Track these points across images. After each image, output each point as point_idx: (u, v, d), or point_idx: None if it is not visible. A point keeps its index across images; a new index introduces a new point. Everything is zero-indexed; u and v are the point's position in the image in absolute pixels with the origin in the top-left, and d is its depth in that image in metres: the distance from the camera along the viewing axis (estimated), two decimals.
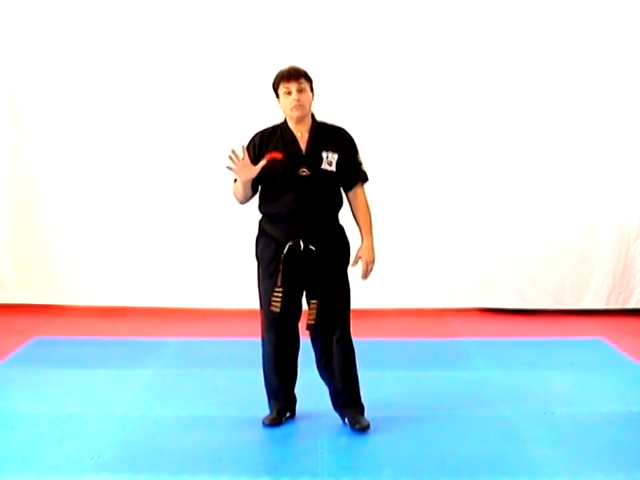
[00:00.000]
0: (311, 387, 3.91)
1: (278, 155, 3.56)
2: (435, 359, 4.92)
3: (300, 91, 3.55)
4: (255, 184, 3.61)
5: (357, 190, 3.71)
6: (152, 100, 5.97)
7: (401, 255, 5.91)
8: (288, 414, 3.81)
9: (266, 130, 3.67)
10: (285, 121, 3.65)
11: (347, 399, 3.71)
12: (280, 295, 3.57)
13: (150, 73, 5.96)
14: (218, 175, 5.77)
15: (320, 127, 3.66)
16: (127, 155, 6.02)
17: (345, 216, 3.73)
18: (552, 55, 5.89)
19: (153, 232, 6.06)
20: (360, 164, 3.71)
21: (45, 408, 3.97)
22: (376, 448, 3.52)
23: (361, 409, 3.73)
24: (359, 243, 3.73)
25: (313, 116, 3.67)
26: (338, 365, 3.67)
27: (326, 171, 3.58)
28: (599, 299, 6.12)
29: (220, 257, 6.02)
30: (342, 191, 3.71)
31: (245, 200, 3.69)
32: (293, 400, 3.84)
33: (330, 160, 3.59)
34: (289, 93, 3.56)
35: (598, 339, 5.35)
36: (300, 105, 3.55)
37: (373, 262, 3.69)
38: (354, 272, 3.71)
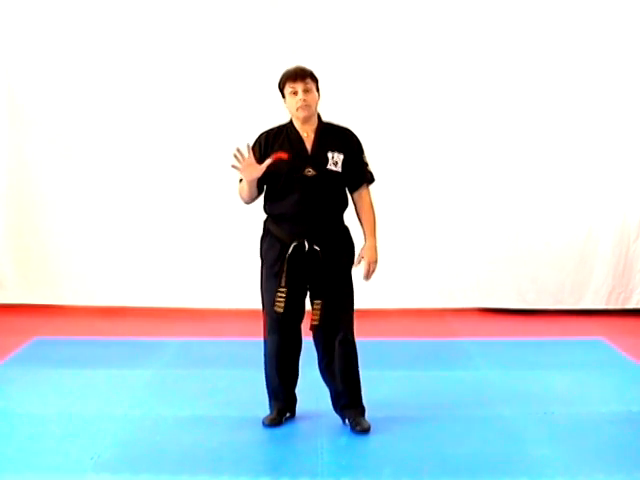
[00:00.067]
0: (311, 387, 3.91)
1: (284, 155, 3.55)
2: (435, 359, 4.91)
3: (306, 91, 3.54)
4: (260, 184, 3.60)
5: (362, 191, 3.70)
6: (153, 99, 5.97)
7: (401, 255, 5.90)
8: (288, 414, 3.81)
9: (272, 130, 3.66)
10: (291, 121, 3.64)
11: (348, 400, 3.71)
12: (284, 295, 3.56)
13: (151, 73, 5.96)
14: (218, 175, 5.84)
15: (326, 127, 3.65)
16: (127, 155, 6.02)
17: (350, 217, 3.73)
18: (552, 57, 5.90)
19: (153, 232, 6.06)
20: (366, 164, 3.70)
21: (45, 408, 3.97)
22: (376, 448, 3.52)
23: (362, 411, 3.72)
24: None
25: (319, 116, 3.66)
26: (339, 366, 3.67)
27: (332, 171, 3.57)
28: (599, 299, 6.12)
29: (220, 257, 6.02)
30: (347, 192, 3.70)
31: (250, 200, 3.68)
32: (293, 400, 3.83)
33: (336, 160, 3.58)
34: (295, 93, 3.55)
35: (598, 339, 5.35)
36: (306, 105, 3.55)
37: (375, 262, 3.68)
38: (356, 272, 3.71)
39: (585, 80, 5.93)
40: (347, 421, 3.70)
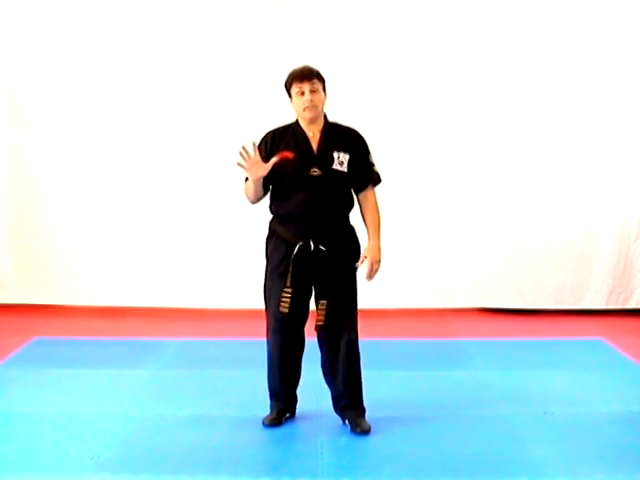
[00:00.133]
0: (312, 387, 3.91)
1: (289, 154, 3.54)
2: (435, 359, 4.91)
3: (313, 92, 3.53)
4: (266, 184, 3.59)
5: (368, 192, 3.68)
6: (154, 99, 5.96)
7: (401, 255, 5.90)
8: (288, 414, 3.81)
9: (278, 129, 3.65)
10: (297, 121, 3.64)
11: (348, 401, 3.71)
12: (289, 296, 3.56)
13: (152, 72, 5.94)
14: (217, 175, 5.85)
15: (332, 127, 3.64)
16: (127, 155, 6.02)
17: (356, 217, 3.72)
18: (552, 57, 5.89)
19: (153, 232, 6.06)
20: (372, 165, 3.69)
21: (45, 408, 3.97)
22: (376, 448, 3.52)
23: (362, 412, 3.72)
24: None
25: (325, 116, 3.65)
26: (343, 367, 3.67)
27: (337, 171, 3.56)
28: (599, 299, 6.12)
29: (220, 257, 6.02)
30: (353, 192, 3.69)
31: (256, 200, 3.67)
32: (294, 401, 3.83)
33: (341, 160, 3.57)
34: (302, 94, 3.54)
35: (598, 339, 5.35)
36: (313, 106, 3.54)
37: (378, 262, 3.67)
38: (359, 272, 3.70)
39: (585, 81, 5.93)
40: (347, 422, 3.70)
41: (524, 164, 6.01)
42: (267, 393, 3.81)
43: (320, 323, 3.61)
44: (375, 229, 3.69)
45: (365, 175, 3.66)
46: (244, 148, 3.46)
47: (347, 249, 3.65)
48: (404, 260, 5.96)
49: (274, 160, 3.50)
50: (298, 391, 3.83)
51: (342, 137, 3.63)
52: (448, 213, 6.06)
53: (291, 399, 3.82)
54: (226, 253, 6.00)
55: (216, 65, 5.93)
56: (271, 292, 3.65)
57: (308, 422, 3.79)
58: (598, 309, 6.09)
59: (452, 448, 3.50)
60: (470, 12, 5.90)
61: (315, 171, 3.55)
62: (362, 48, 5.90)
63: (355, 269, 3.67)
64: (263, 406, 3.81)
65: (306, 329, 3.72)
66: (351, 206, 3.69)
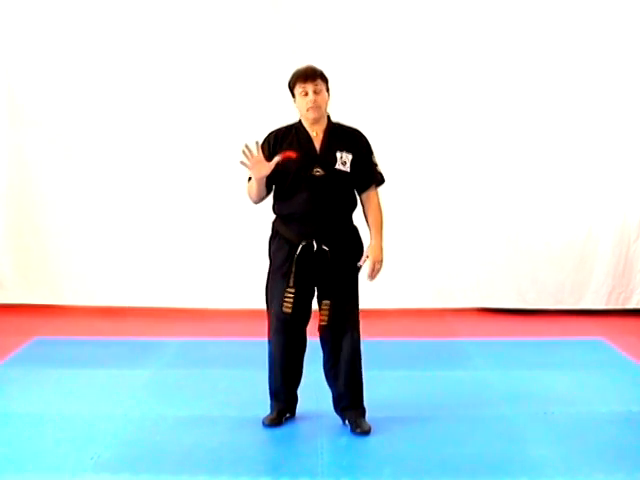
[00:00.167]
0: (312, 387, 3.91)
1: (292, 154, 3.54)
2: (435, 359, 4.91)
3: (317, 92, 3.53)
4: (269, 183, 3.59)
5: (370, 192, 3.67)
6: (154, 99, 5.95)
7: (401, 255, 5.89)
8: (288, 414, 3.81)
9: (280, 129, 3.65)
10: (300, 120, 3.64)
11: (349, 402, 3.71)
12: (292, 296, 3.55)
13: (152, 72, 5.93)
14: (217, 176, 5.86)
15: (335, 127, 3.64)
16: (127, 155, 6.02)
17: (360, 217, 3.72)
18: (552, 57, 5.89)
19: (153, 232, 6.06)
20: (375, 165, 3.68)
21: (45, 408, 3.97)
22: (376, 448, 3.52)
23: (362, 412, 3.72)
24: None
25: (328, 116, 3.65)
26: (345, 368, 3.67)
27: (340, 171, 3.56)
28: (599, 299, 6.12)
29: (220, 257, 6.02)
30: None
31: (259, 199, 3.66)
32: (294, 401, 3.83)
33: (344, 160, 3.57)
34: (306, 94, 3.53)
35: (598, 339, 5.35)
36: (317, 106, 3.54)
37: (380, 262, 3.66)
38: (361, 272, 3.69)
39: (585, 81, 5.93)
40: (347, 422, 3.70)
41: (524, 164, 6.01)
42: (267, 393, 3.81)
43: (323, 323, 3.61)
44: (377, 229, 3.68)
45: (368, 175, 3.66)
46: (247, 147, 3.46)
47: (350, 249, 3.64)
48: (404, 260, 5.96)
49: (277, 159, 3.49)
50: (298, 391, 3.83)
51: (345, 137, 3.63)
52: (448, 213, 6.05)
53: (291, 399, 3.82)
54: (226, 253, 5.99)
55: (216, 65, 5.92)
56: (273, 292, 3.65)
57: (308, 422, 3.79)
58: (598, 309, 6.09)
59: (452, 448, 3.50)
60: (472, 12, 5.90)
61: (318, 171, 3.54)
62: (363, 48, 5.89)
63: (358, 269, 3.66)
64: (263, 406, 3.81)
65: (308, 329, 3.72)
66: (354, 206, 3.68)
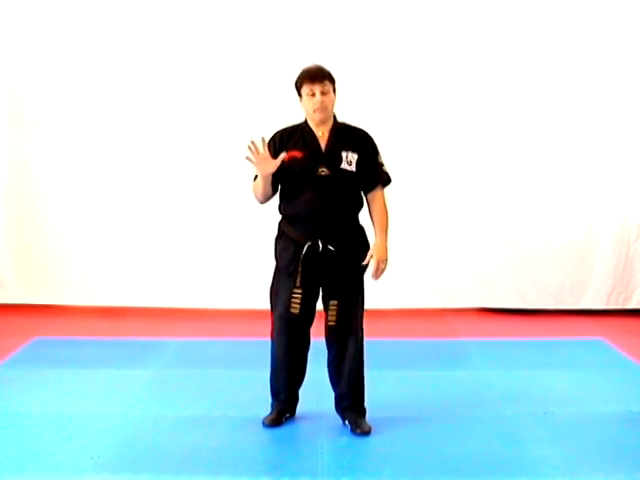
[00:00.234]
0: (312, 387, 3.90)
1: (298, 154, 3.53)
2: (435, 359, 4.91)
3: (324, 93, 3.51)
4: (275, 182, 3.57)
5: (376, 192, 3.66)
6: (154, 99, 5.94)
7: (401, 255, 5.85)
8: (288, 414, 3.81)
9: (286, 129, 3.64)
10: (306, 120, 3.63)
11: (350, 403, 3.71)
12: (300, 297, 3.54)
13: (153, 72, 5.93)
14: (216, 176, 5.85)
15: (341, 127, 3.63)
16: (127, 155, 6.01)
17: (366, 217, 3.71)
18: (552, 57, 5.89)
19: (153, 232, 6.05)
20: (381, 165, 3.67)
21: (45, 408, 3.97)
22: (376, 448, 3.52)
23: (363, 413, 3.72)
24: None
25: (334, 117, 3.64)
26: (348, 368, 3.66)
27: (345, 171, 3.55)
28: (599, 299, 6.12)
29: (220, 257, 6.02)
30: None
31: (265, 199, 3.64)
32: (295, 401, 3.83)
33: (350, 160, 3.56)
34: (313, 95, 3.52)
35: (598, 339, 5.35)
36: (323, 107, 3.53)
37: (385, 262, 3.64)
38: (366, 272, 3.69)
39: (585, 81, 5.93)
40: (347, 422, 3.70)
41: (524, 165, 6.01)
42: (267, 393, 3.81)
43: (331, 324, 3.60)
44: (382, 228, 3.67)
45: (374, 175, 3.64)
46: (253, 143, 3.44)
47: (356, 249, 3.63)
48: (405, 260, 5.94)
49: (283, 156, 3.48)
50: (299, 391, 3.83)
51: (351, 137, 3.62)
52: (448, 213, 6.05)
53: (292, 399, 3.81)
54: (226, 253, 5.99)
55: (217, 65, 5.92)
56: (278, 293, 3.64)
57: (308, 422, 3.79)
58: (598, 309, 6.09)
59: (452, 448, 3.50)
60: (474, 13, 5.89)
61: (323, 171, 3.53)
62: (363, 48, 5.88)
63: (364, 269, 3.65)
64: (263, 406, 3.81)
65: (312, 331, 3.72)
66: (360, 206, 3.67)
